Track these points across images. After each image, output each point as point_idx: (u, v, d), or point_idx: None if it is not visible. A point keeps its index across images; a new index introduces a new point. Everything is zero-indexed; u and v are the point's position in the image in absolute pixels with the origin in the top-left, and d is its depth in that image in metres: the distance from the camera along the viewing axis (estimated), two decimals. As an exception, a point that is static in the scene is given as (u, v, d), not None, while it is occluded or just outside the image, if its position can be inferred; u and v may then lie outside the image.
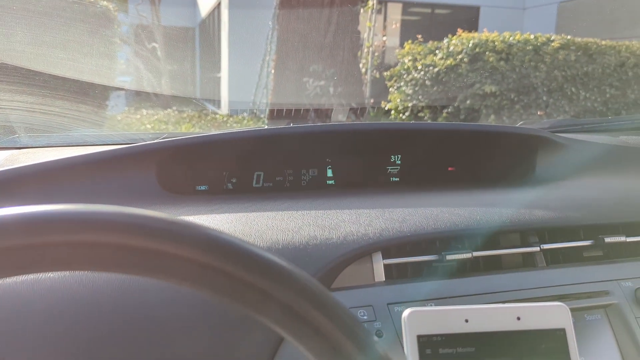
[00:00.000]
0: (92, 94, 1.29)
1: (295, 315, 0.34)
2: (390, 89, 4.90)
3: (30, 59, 1.14)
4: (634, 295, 0.72)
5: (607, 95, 4.68)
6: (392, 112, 4.81)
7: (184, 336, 0.58)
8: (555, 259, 0.78)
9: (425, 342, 0.54)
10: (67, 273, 0.59)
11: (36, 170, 0.85)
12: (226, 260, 0.32)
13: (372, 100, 5.52)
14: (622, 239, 0.78)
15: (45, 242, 0.29)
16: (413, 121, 4.53)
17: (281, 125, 1.41)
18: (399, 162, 1.10)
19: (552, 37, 4.69)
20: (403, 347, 0.58)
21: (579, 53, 4.63)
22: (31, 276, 0.58)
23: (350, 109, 3.32)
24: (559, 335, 0.56)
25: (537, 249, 0.76)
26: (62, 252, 0.30)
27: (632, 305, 0.71)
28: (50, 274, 0.58)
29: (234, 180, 1.04)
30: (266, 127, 1.38)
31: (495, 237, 0.76)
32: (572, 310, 0.56)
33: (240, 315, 0.59)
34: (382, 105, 5.06)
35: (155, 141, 0.91)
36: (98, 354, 0.56)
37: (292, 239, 0.68)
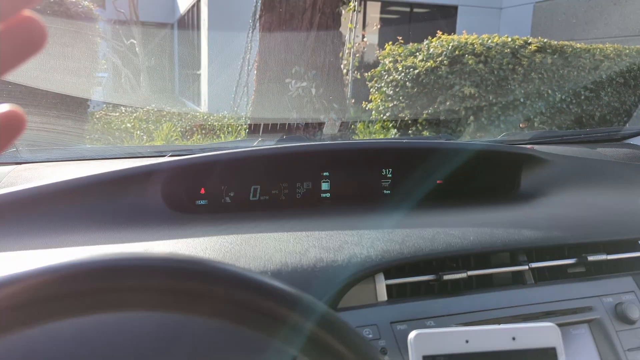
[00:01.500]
0: (73, 95, 1.30)
1: (319, 345, 0.38)
2: (371, 90, 4.96)
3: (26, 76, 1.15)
4: (614, 310, 0.79)
5: (582, 97, 4.81)
6: (373, 112, 4.87)
7: (200, 355, 0.62)
8: (542, 275, 0.84)
9: (430, 362, 0.58)
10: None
11: (41, 192, 0.86)
12: (263, 300, 0.37)
13: (352, 100, 5.57)
14: (604, 257, 0.84)
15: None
16: (399, 135, 4.61)
17: (274, 137, 1.45)
18: (390, 175, 1.15)
19: (530, 40, 4.80)
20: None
21: (555, 56, 4.75)
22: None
23: (342, 122, 3.38)
24: (550, 353, 0.61)
25: (526, 267, 0.82)
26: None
27: (613, 320, 0.78)
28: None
29: (232, 194, 1.08)
30: (260, 139, 1.41)
31: (487, 256, 0.82)
32: (559, 324, 0.62)
33: (251, 338, 0.62)
34: (363, 105, 5.12)
35: (161, 161, 0.94)
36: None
37: (299, 262, 0.72)
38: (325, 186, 1.14)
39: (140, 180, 0.93)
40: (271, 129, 1.45)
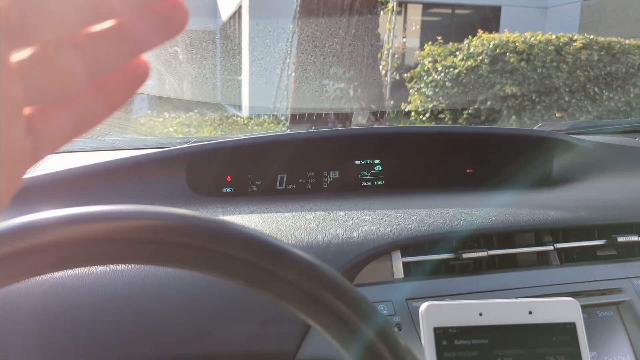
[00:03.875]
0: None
1: (302, 292, 0.38)
2: (410, 91, 4.92)
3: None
4: (646, 292, 0.75)
5: (631, 95, 4.63)
6: (412, 113, 4.83)
7: (217, 326, 0.63)
8: (569, 257, 0.81)
9: (441, 334, 0.57)
10: (108, 269, 0.64)
11: (72, 174, 0.90)
12: (264, 258, 0.37)
13: (391, 102, 5.54)
14: (635, 238, 0.81)
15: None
16: (433, 124, 4.53)
17: (303, 128, 1.45)
18: (420, 163, 1.13)
19: (575, 37, 4.66)
20: (420, 339, 0.62)
21: (602, 53, 4.59)
22: (76, 271, 0.63)
23: (371, 112, 3.36)
24: (569, 328, 0.59)
25: (551, 247, 0.79)
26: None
27: None
28: (95, 270, 0.63)
29: (258, 183, 1.09)
30: (288, 130, 1.42)
31: (510, 236, 0.79)
32: (584, 306, 0.59)
33: (268, 305, 0.63)
34: (402, 107, 5.09)
35: (186, 145, 0.96)
36: (136, 343, 0.61)
37: (315, 238, 0.72)
38: (350, 174, 1.13)
39: (167, 164, 0.95)
40: (299, 119, 1.46)
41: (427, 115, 4.69)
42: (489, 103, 4.42)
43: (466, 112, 4.53)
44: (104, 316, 0.61)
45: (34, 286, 0.61)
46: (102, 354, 0.59)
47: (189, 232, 0.35)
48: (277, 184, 1.11)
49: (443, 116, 4.61)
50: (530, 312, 0.59)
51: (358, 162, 1.12)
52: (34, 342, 0.59)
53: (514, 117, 4.40)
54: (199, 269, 0.36)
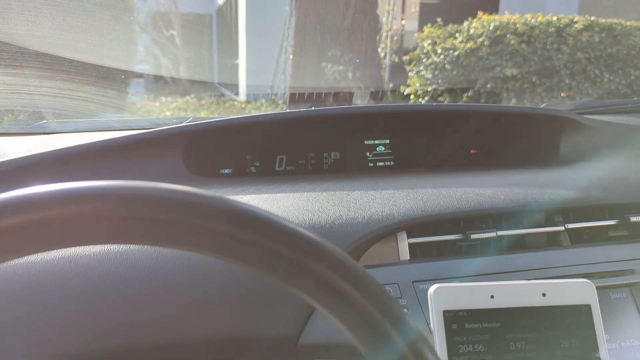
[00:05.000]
0: (116, 79, 1.31)
1: (329, 289, 0.35)
2: (410, 73, 4.86)
3: (55, 45, 1.16)
4: (660, 274, 0.72)
5: (632, 78, 4.58)
6: (412, 96, 4.78)
7: (217, 309, 0.60)
8: (579, 238, 0.78)
9: (451, 317, 0.55)
10: (101, 252, 0.61)
11: (65, 153, 0.87)
12: (263, 234, 0.33)
13: (390, 85, 5.48)
14: (648, 218, 0.78)
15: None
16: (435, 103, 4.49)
17: (302, 108, 1.42)
18: (423, 144, 1.10)
19: (575, 19, 4.60)
20: (428, 323, 0.59)
21: (603, 34, 4.53)
22: (69, 254, 0.60)
23: (371, 93, 3.32)
24: (584, 311, 0.56)
25: (562, 228, 0.76)
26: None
27: None
28: (87, 252, 0.61)
29: (257, 164, 1.06)
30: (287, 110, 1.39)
31: (519, 216, 0.77)
32: (596, 288, 0.57)
33: (271, 289, 0.60)
34: (401, 90, 5.03)
35: (182, 125, 0.93)
36: (131, 328, 0.58)
37: (318, 219, 0.70)
38: (352, 155, 1.10)
39: (163, 143, 0.91)
40: (298, 98, 1.42)
41: (427, 98, 4.65)
42: (488, 85, 4.37)
43: (466, 95, 4.48)
44: (97, 300, 0.58)
45: (24, 269, 0.59)
46: (96, 339, 0.56)
47: (223, 217, 0.32)
48: (277, 165, 1.08)
49: (442, 99, 4.56)
50: (543, 294, 0.56)
51: (360, 142, 1.08)
52: (25, 326, 0.56)
53: (514, 100, 4.35)
54: (215, 254, 0.33)
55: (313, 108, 1.21)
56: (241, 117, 0.98)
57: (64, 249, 0.59)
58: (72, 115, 1.17)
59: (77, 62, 1.21)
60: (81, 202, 0.30)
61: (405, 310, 0.64)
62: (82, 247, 0.60)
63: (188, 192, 0.33)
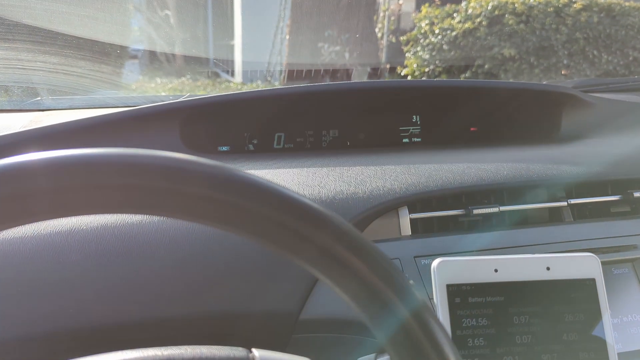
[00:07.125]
0: (111, 55, 1.29)
1: (332, 258, 0.34)
2: (407, 54, 4.82)
3: (49, 19, 1.13)
4: (663, 249, 0.72)
5: (630, 58, 4.55)
6: (409, 77, 4.74)
7: (218, 283, 0.59)
8: (582, 214, 0.78)
9: (455, 291, 0.54)
10: (99, 225, 0.60)
11: (61, 129, 0.85)
12: (266, 202, 0.32)
13: (388, 66, 5.44)
14: (651, 193, 0.77)
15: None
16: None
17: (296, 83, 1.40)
18: (421, 121, 1.09)
19: (574, -2, 4.56)
20: (431, 298, 0.59)
21: (601, 14, 4.49)
22: (66, 227, 0.59)
23: (368, 73, 3.29)
24: (588, 285, 0.56)
25: (565, 203, 0.76)
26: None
27: None
28: (85, 226, 0.60)
29: (255, 141, 1.04)
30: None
31: (522, 191, 0.76)
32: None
33: (272, 264, 0.59)
34: (398, 71, 4.99)
35: (179, 100, 0.91)
36: (130, 303, 0.57)
37: (318, 194, 0.69)
38: (352, 132, 1.08)
39: (160, 119, 0.90)
40: (296, 76, 1.40)
41: (424, 79, 4.62)
42: (486, 66, 4.34)
43: (463, 75, 4.45)
44: (96, 274, 0.57)
45: (20, 242, 0.57)
46: (93, 315, 0.56)
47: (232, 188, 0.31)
48: (275, 142, 1.07)
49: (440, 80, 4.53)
50: (548, 268, 0.55)
51: (359, 119, 1.07)
52: (22, 301, 0.55)
53: (511, 81, 4.33)
54: (225, 227, 0.32)
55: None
56: (239, 93, 0.96)
57: (61, 222, 0.58)
58: (67, 92, 1.15)
59: (73, 37, 1.19)
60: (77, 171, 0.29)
61: (412, 282, 0.63)
62: (80, 220, 0.59)
63: (189, 161, 0.32)
